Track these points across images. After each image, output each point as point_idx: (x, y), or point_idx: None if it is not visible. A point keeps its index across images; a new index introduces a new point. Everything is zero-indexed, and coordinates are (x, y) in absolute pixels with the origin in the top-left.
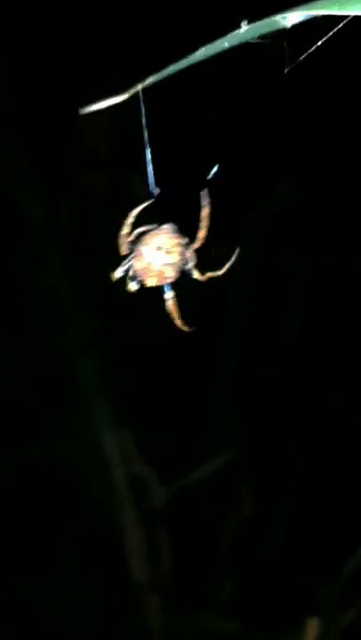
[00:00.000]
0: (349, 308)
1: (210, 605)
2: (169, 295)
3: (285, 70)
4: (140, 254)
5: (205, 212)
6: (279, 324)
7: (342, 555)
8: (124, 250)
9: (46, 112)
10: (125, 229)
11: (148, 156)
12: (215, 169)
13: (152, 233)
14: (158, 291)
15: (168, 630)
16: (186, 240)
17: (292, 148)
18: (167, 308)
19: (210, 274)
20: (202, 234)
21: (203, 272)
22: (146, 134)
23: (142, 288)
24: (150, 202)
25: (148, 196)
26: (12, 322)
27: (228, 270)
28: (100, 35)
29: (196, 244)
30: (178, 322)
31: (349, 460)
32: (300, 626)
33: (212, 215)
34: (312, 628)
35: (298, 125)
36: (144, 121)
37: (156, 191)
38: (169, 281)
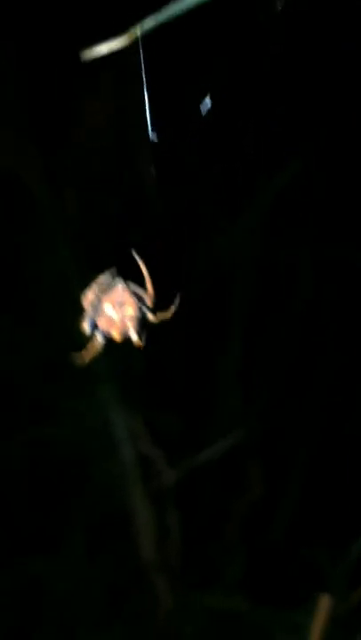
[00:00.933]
0: (358, 290)
1: (219, 585)
2: (135, 340)
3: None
4: (103, 312)
5: (146, 276)
6: (286, 306)
7: (351, 535)
8: (87, 309)
9: (51, 94)
10: (89, 296)
11: (146, 102)
12: (207, 101)
13: (109, 292)
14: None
15: (177, 608)
16: (138, 293)
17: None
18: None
19: (160, 315)
20: (150, 291)
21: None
22: (144, 78)
23: None
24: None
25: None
26: (20, 305)
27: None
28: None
29: (148, 299)
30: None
31: (359, 441)
32: (309, 605)
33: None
34: (324, 603)
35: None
36: (143, 66)
37: (154, 136)
38: (132, 331)
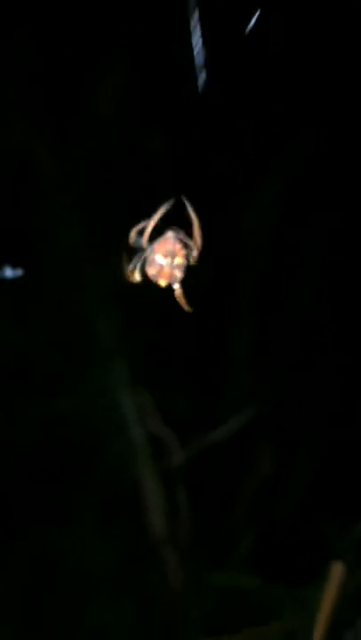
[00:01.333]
0: None
1: (229, 561)
2: (177, 287)
3: None
4: (153, 261)
5: (196, 226)
6: (297, 283)
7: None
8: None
9: (62, 72)
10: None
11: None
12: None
13: (160, 241)
14: None
15: (187, 583)
16: (187, 245)
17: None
18: (176, 297)
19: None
20: (198, 243)
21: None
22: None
23: None
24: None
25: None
26: (30, 283)
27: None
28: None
29: (195, 252)
30: (185, 307)
31: None
32: (319, 581)
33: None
34: (336, 571)
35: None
36: None
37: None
38: (178, 280)
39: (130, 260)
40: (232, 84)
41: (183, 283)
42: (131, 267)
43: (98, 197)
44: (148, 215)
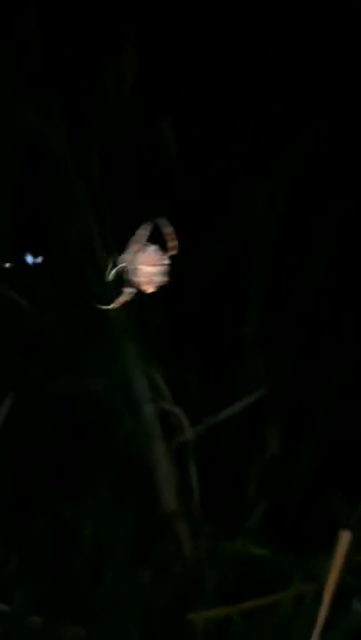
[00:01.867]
0: None
1: (240, 533)
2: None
3: None
4: (141, 272)
5: (170, 239)
6: (308, 265)
7: None
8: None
9: (74, 54)
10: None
11: None
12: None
13: (144, 256)
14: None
15: (198, 555)
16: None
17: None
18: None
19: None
20: (173, 249)
21: None
22: None
23: None
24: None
25: None
26: (43, 263)
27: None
28: None
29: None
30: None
31: None
32: (329, 550)
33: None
34: (344, 539)
35: None
36: None
37: None
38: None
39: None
40: (239, 63)
41: None
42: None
43: (110, 181)
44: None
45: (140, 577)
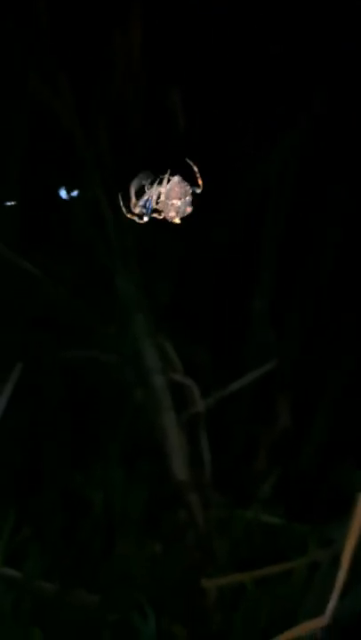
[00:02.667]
0: None
1: (253, 502)
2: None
3: None
4: (168, 202)
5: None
6: (319, 237)
7: None
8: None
9: (81, 29)
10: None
11: None
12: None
13: (171, 186)
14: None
15: (210, 524)
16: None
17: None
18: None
19: None
20: (199, 182)
21: None
22: None
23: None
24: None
25: None
26: (54, 237)
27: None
28: None
29: (198, 189)
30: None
31: None
32: (343, 518)
33: None
34: None
35: None
36: None
37: None
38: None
39: (135, 200)
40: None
41: None
42: (137, 207)
43: (119, 153)
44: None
45: (151, 546)
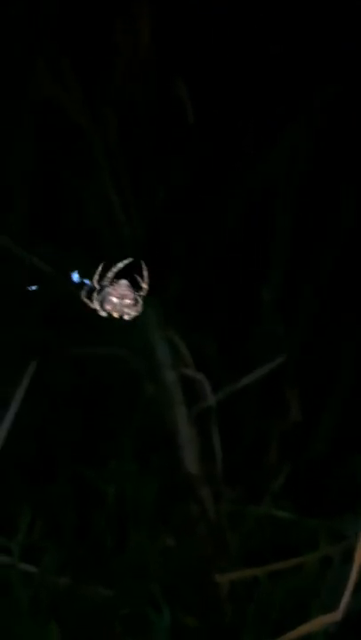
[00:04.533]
0: None
1: (262, 498)
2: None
3: None
4: (109, 300)
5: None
6: (328, 230)
7: None
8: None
9: (88, 19)
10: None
11: None
12: None
13: (116, 287)
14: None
15: (221, 518)
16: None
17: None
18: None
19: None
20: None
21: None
22: None
23: None
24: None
25: None
26: (62, 230)
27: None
28: None
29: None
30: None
31: None
32: (355, 513)
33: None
34: None
35: None
36: None
37: None
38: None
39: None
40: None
41: None
42: (88, 298)
43: (128, 143)
44: None
45: (163, 539)
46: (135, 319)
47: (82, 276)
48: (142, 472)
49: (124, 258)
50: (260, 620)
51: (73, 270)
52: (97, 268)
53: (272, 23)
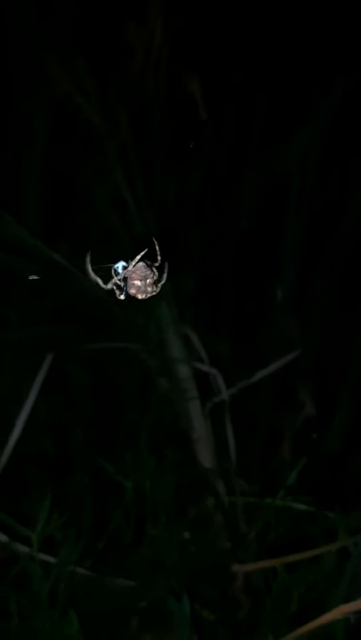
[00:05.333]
0: None
1: (276, 491)
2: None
3: None
4: (133, 284)
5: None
6: (341, 226)
7: None
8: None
9: (101, 15)
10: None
11: None
12: None
13: (136, 270)
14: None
15: (238, 509)
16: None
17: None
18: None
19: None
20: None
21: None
22: None
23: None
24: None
25: None
26: (75, 227)
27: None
28: None
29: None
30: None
31: None
32: None
33: None
34: None
35: None
36: None
37: None
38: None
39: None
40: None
41: None
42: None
43: (140, 139)
44: None
45: (180, 532)
46: (150, 314)
47: (97, 271)
48: (158, 466)
49: (137, 253)
50: (278, 611)
51: (88, 265)
52: (110, 263)
53: (284, 18)
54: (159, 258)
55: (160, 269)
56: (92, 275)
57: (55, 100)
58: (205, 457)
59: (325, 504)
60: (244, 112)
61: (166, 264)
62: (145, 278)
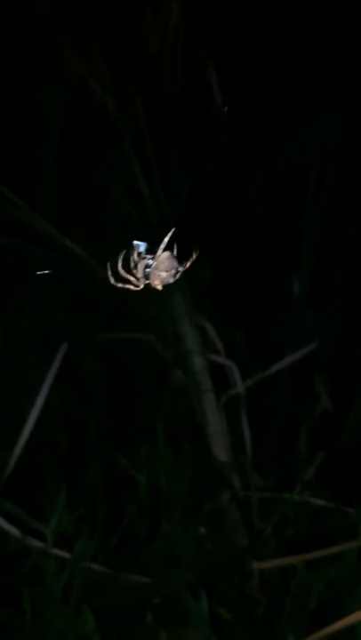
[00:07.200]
0: None
1: (293, 486)
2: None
3: None
4: (155, 274)
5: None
6: (359, 215)
7: None
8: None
9: (118, 6)
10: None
11: None
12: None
13: (160, 260)
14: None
15: (254, 504)
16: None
17: None
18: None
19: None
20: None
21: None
22: None
23: None
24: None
25: None
26: (89, 217)
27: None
28: None
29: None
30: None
31: None
32: None
33: None
34: None
35: None
36: None
37: None
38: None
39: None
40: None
41: None
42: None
43: (156, 128)
44: None
45: (195, 527)
46: (165, 305)
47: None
48: (173, 460)
49: (152, 243)
50: (297, 610)
51: (103, 255)
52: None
53: (301, 8)
54: (176, 248)
55: (184, 258)
56: (119, 272)
57: (71, 87)
58: (220, 450)
59: (343, 499)
60: (261, 100)
61: (194, 252)
62: (170, 269)
